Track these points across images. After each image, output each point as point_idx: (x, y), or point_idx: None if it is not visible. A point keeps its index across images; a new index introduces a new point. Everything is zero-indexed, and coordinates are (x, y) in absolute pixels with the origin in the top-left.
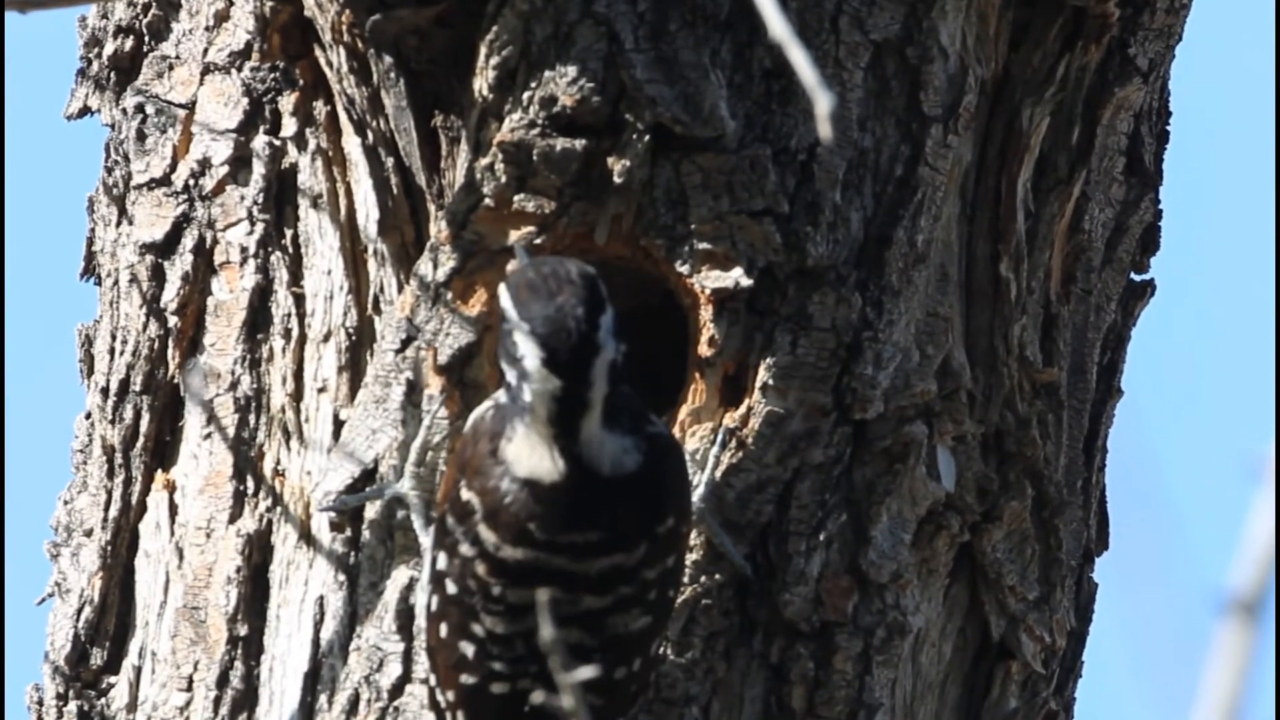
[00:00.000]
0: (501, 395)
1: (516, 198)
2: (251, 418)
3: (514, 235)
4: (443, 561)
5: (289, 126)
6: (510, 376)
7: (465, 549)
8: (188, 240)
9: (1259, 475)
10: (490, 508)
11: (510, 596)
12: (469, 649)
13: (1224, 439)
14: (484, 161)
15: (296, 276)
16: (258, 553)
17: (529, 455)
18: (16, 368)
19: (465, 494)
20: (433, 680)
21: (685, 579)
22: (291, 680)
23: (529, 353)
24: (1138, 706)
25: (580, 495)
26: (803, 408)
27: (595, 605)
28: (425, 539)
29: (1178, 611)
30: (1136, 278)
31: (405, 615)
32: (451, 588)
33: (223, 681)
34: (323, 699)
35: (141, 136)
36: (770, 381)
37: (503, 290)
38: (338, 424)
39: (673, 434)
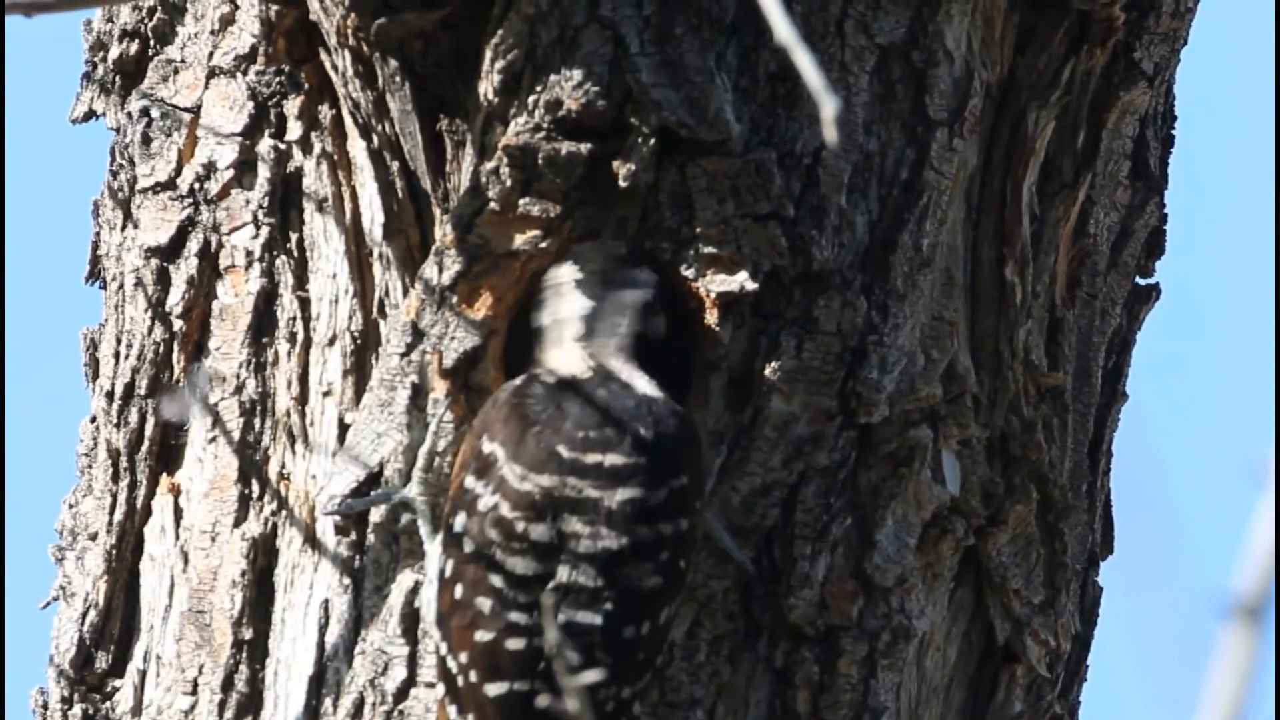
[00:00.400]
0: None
1: (522, 201)
2: (256, 421)
3: (519, 239)
4: (460, 523)
5: (294, 130)
6: (548, 334)
7: (487, 500)
8: (193, 244)
9: (1261, 478)
10: (518, 447)
11: (533, 533)
12: (486, 603)
13: (1228, 442)
14: (489, 165)
15: (301, 280)
16: (263, 556)
17: (563, 359)
18: (21, 371)
19: (487, 446)
20: (443, 649)
21: (690, 581)
22: (296, 684)
23: (565, 278)
24: (1141, 710)
25: (608, 398)
26: (808, 411)
27: (612, 546)
28: (432, 545)
29: (1181, 615)
30: (1141, 281)
31: (410, 619)
32: (469, 546)
33: (227, 685)
34: (327, 702)
35: (146, 140)
36: (776, 385)
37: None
38: (343, 428)
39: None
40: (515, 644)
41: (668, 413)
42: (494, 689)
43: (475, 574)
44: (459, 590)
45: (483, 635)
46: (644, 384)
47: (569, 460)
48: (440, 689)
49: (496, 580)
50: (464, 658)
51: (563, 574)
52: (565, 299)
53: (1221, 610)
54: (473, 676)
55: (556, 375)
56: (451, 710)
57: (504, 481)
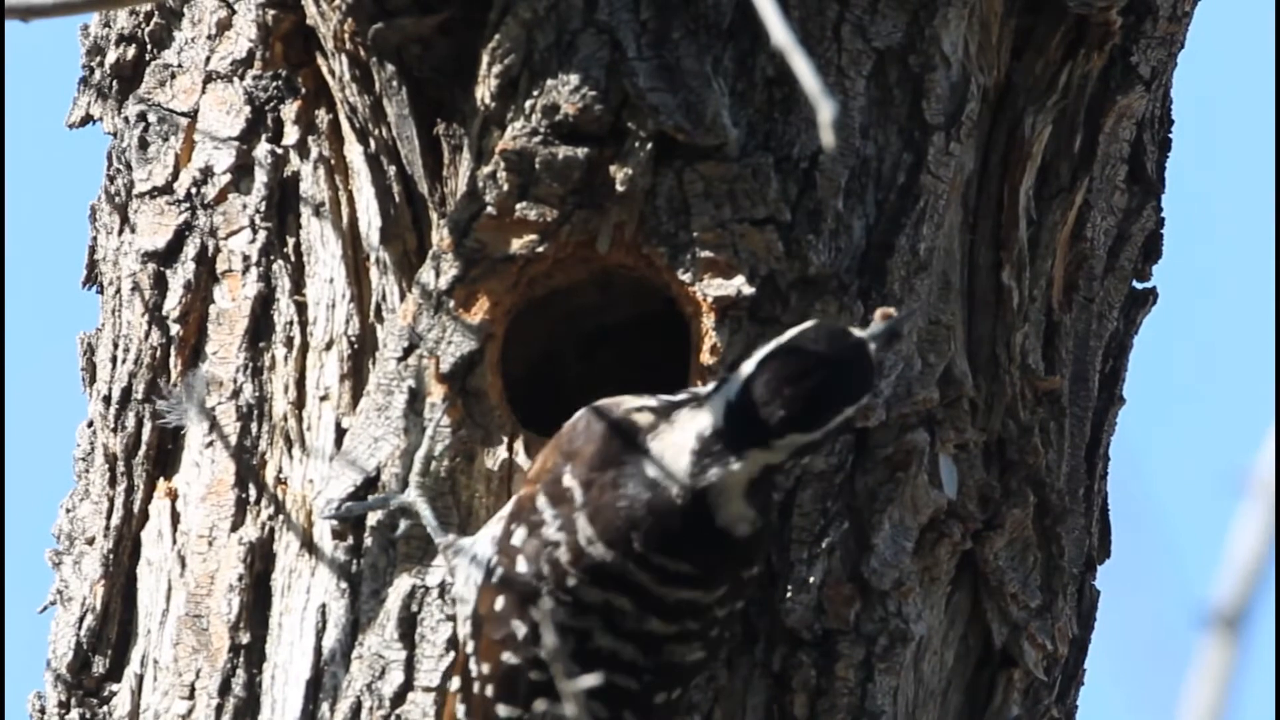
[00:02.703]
0: (675, 401)
1: (519, 206)
2: (254, 426)
3: (516, 244)
4: (519, 537)
5: (291, 135)
6: (719, 380)
7: (551, 532)
8: (190, 248)
9: (1242, 488)
10: (597, 503)
11: (582, 593)
12: (521, 629)
13: (1224, 446)
14: (486, 170)
15: (299, 285)
16: (260, 561)
17: (668, 456)
18: (19, 375)
19: (568, 480)
20: (470, 647)
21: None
22: (293, 688)
23: (748, 368)
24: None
25: (690, 525)
26: None
27: (658, 630)
28: (442, 538)
29: (1167, 623)
30: (1139, 285)
31: (407, 623)
32: (523, 565)
33: (225, 689)
34: (325, 707)
35: (144, 145)
36: None
37: (812, 324)
38: (340, 432)
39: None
40: (537, 675)
41: (748, 534)
42: (505, 711)
43: (519, 595)
44: (500, 602)
45: (509, 658)
46: (737, 513)
47: (638, 552)
48: (455, 682)
49: (536, 614)
50: (486, 669)
51: (602, 641)
52: (734, 379)
53: (1200, 621)
54: (489, 691)
55: (659, 467)
56: (460, 708)
57: (573, 528)
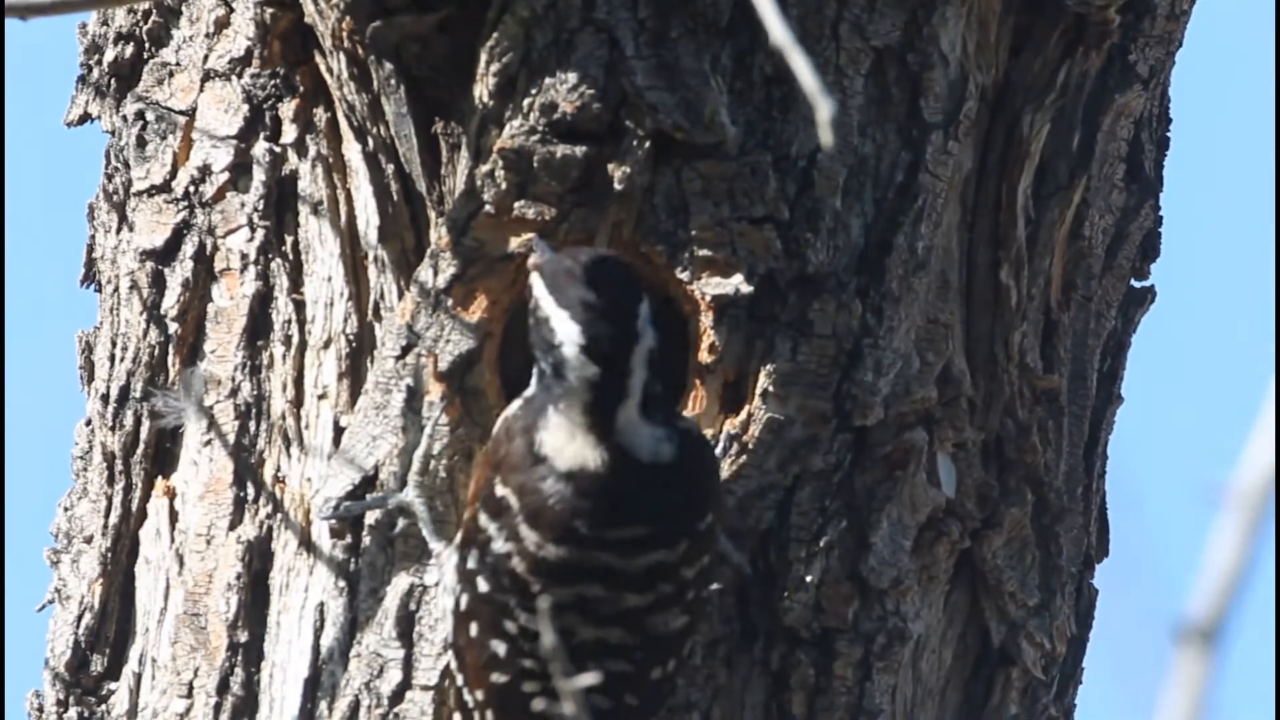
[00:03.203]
0: (531, 388)
1: (517, 204)
2: (252, 424)
3: (514, 242)
4: (473, 560)
5: (289, 133)
6: (545, 364)
7: (499, 545)
8: (188, 247)
9: (1217, 501)
10: (532, 507)
11: (551, 595)
12: (500, 647)
13: (1221, 446)
14: (484, 168)
15: (297, 283)
16: (258, 559)
17: (568, 445)
18: (17, 374)
19: (500, 490)
20: (460, 680)
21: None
22: (292, 687)
23: (568, 339)
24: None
25: (624, 484)
26: (803, 414)
27: (637, 603)
28: (436, 544)
29: (1154, 626)
30: (1137, 284)
31: (406, 621)
32: (483, 585)
33: (223, 688)
34: (323, 706)
35: (142, 143)
36: (771, 388)
37: (536, 279)
38: (338, 430)
39: (700, 428)
40: (531, 687)
41: (681, 458)
42: None
43: (490, 616)
44: (474, 628)
45: (498, 677)
46: (649, 435)
47: (588, 536)
48: (457, 718)
49: (510, 626)
50: (480, 695)
51: (585, 633)
52: (564, 344)
53: (1175, 634)
54: (490, 717)
55: (566, 468)
56: None
57: (519, 538)
